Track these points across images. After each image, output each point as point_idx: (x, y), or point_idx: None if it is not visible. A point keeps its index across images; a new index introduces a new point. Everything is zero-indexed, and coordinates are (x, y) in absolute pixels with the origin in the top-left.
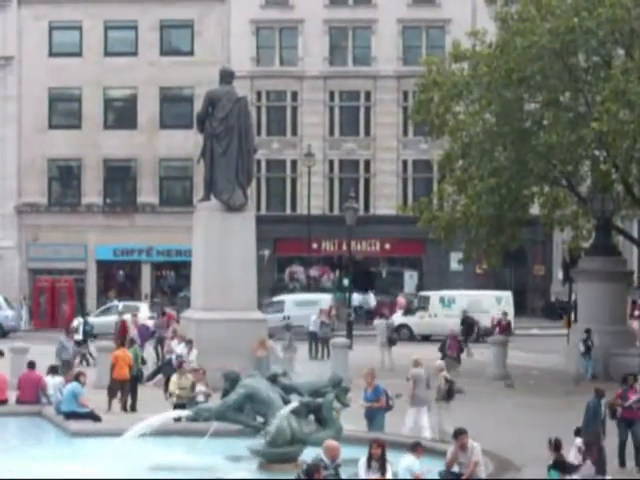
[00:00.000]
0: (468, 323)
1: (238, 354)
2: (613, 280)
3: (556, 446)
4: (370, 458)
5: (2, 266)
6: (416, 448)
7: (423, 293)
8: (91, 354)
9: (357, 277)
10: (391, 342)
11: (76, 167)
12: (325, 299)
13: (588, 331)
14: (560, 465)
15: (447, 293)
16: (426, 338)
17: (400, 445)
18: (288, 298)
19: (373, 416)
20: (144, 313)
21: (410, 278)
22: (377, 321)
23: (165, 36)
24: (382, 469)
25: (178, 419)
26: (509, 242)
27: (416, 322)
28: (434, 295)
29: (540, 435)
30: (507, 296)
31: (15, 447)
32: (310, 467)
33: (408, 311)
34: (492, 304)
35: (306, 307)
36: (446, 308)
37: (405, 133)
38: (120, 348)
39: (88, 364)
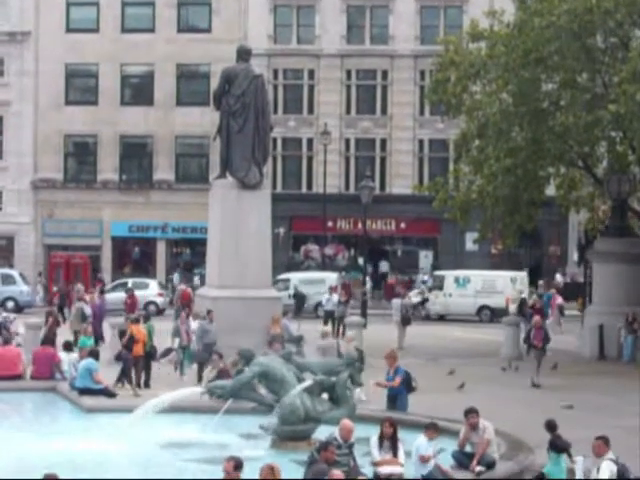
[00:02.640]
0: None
1: (253, 332)
2: (629, 261)
3: (550, 427)
4: (382, 437)
5: (17, 242)
6: (427, 429)
7: (438, 273)
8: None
9: (372, 256)
10: (405, 321)
11: (92, 143)
12: (331, 277)
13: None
14: (555, 445)
15: (462, 273)
16: (441, 317)
17: (418, 425)
18: (294, 276)
19: (395, 397)
20: (153, 290)
21: (425, 257)
22: (394, 300)
23: (182, 13)
24: (394, 448)
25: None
26: (525, 223)
27: (431, 301)
28: (449, 275)
29: (553, 416)
30: (522, 276)
31: (30, 423)
32: (321, 445)
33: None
34: (507, 284)
35: (312, 285)
36: (461, 288)
37: (422, 112)
38: (134, 324)
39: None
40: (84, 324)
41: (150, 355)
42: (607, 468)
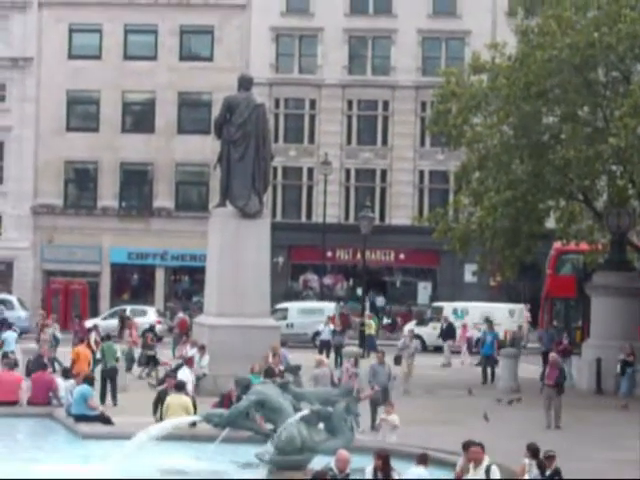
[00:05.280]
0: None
1: (250, 360)
2: (627, 295)
3: (533, 452)
4: (375, 469)
5: (17, 267)
6: (424, 459)
7: (436, 304)
8: None
9: (371, 287)
10: (396, 361)
11: (93, 170)
12: (329, 307)
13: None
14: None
15: (460, 304)
16: (439, 349)
17: (408, 455)
18: (292, 305)
19: None
20: (151, 317)
21: (424, 289)
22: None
23: (185, 41)
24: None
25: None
26: (524, 255)
27: (429, 333)
28: (447, 306)
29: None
30: (520, 309)
31: (25, 449)
32: (316, 474)
33: (421, 322)
34: (505, 317)
35: (310, 315)
36: (459, 319)
37: (422, 143)
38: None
39: None
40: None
41: (110, 373)
42: None
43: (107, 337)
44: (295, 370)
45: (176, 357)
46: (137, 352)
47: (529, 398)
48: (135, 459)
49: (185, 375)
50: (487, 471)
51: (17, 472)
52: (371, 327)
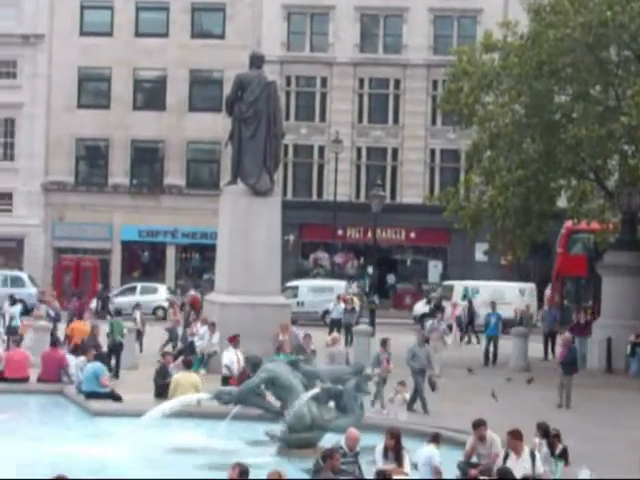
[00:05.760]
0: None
1: (261, 338)
2: (638, 275)
3: (544, 431)
4: (386, 447)
5: (27, 244)
6: (436, 438)
7: (447, 283)
8: None
9: (381, 265)
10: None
11: (104, 147)
12: (339, 286)
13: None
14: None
15: (471, 283)
16: (449, 327)
17: (420, 434)
18: (302, 284)
19: None
20: (162, 295)
21: (434, 267)
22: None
23: (196, 18)
24: (398, 458)
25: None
26: (535, 234)
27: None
28: (458, 285)
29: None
30: (531, 288)
31: (36, 426)
32: (326, 453)
33: (430, 300)
34: (515, 296)
35: (320, 293)
36: (468, 298)
37: (433, 122)
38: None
39: None
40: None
41: (116, 348)
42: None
43: (117, 313)
44: (254, 367)
45: (188, 334)
46: (180, 330)
47: (539, 377)
48: (145, 437)
49: (230, 356)
50: (532, 455)
51: (29, 452)
52: (355, 305)
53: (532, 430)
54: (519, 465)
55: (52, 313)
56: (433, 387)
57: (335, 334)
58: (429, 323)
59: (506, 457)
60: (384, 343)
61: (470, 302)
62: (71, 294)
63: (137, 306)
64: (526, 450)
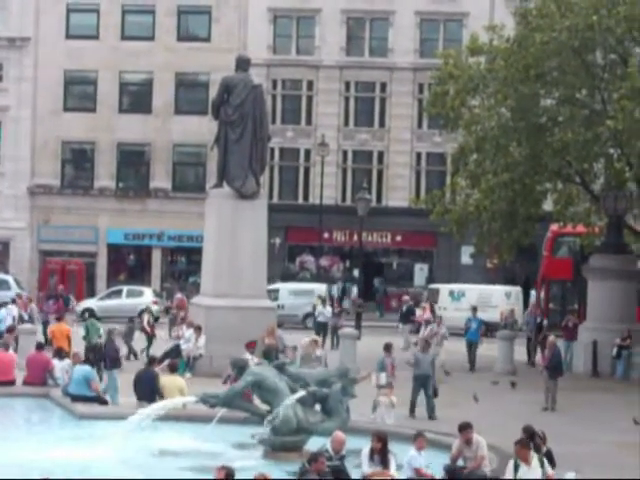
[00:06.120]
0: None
1: (247, 341)
2: (624, 278)
3: (529, 434)
4: (373, 450)
5: (13, 247)
6: (416, 439)
7: (433, 286)
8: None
9: (367, 268)
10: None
11: (90, 150)
12: (319, 289)
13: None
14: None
15: (457, 287)
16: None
17: (407, 437)
18: (283, 287)
19: None
20: (148, 298)
21: (421, 270)
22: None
23: (182, 21)
24: (384, 462)
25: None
26: (521, 237)
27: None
28: (444, 288)
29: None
30: (516, 291)
31: (22, 429)
32: (312, 456)
33: (416, 304)
34: (501, 299)
35: (301, 296)
36: (455, 302)
37: (420, 125)
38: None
39: None
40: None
41: (94, 350)
42: None
43: (91, 315)
44: (240, 370)
45: (172, 337)
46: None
47: (525, 381)
48: (131, 439)
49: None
50: (542, 462)
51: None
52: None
53: (518, 433)
54: (531, 474)
55: (25, 315)
56: (436, 393)
57: (313, 337)
58: (428, 328)
59: (516, 468)
60: (388, 348)
61: (432, 305)
62: (47, 297)
63: (146, 310)
64: (535, 457)
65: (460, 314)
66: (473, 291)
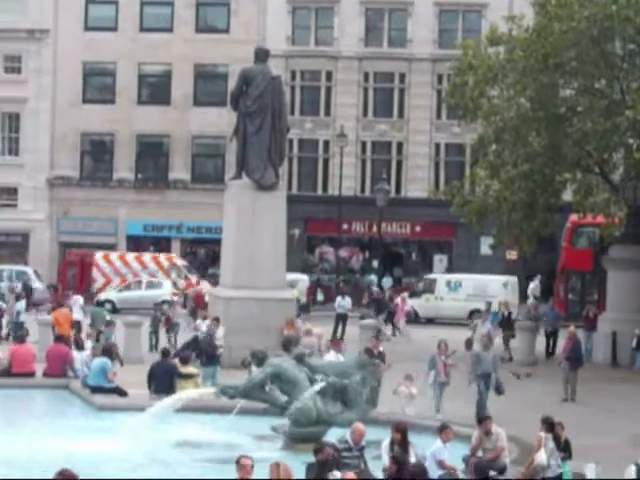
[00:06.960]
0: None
1: (266, 333)
2: None
3: (549, 425)
4: (393, 442)
5: (32, 239)
6: (442, 431)
7: (429, 276)
8: None
9: (386, 259)
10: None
11: (109, 142)
12: (303, 279)
13: None
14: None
15: (453, 277)
16: (430, 321)
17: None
18: None
19: None
20: (167, 289)
21: (440, 262)
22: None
23: (201, 13)
24: (404, 453)
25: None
26: (541, 228)
27: (421, 305)
28: (440, 278)
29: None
30: (514, 282)
31: (42, 420)
32: (316, 447)
33: (414, 294)
34: (499, 289)
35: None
36: (452, 292)
37: (439, 116)
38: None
39: None
40: None
41: (99, 336)
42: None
43: (96, 304)
44: (260, 361)
45: (192, 328)
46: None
47: (544, 372)
48: (150, 431)
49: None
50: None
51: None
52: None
53: (537, 424)
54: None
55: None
56: (500, 391)
57: (308, 326)
58: (472, 324)
59: None
60: (441, 345)
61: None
62: (47, 286)
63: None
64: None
65: (457, 304)
66: (470, 281)
